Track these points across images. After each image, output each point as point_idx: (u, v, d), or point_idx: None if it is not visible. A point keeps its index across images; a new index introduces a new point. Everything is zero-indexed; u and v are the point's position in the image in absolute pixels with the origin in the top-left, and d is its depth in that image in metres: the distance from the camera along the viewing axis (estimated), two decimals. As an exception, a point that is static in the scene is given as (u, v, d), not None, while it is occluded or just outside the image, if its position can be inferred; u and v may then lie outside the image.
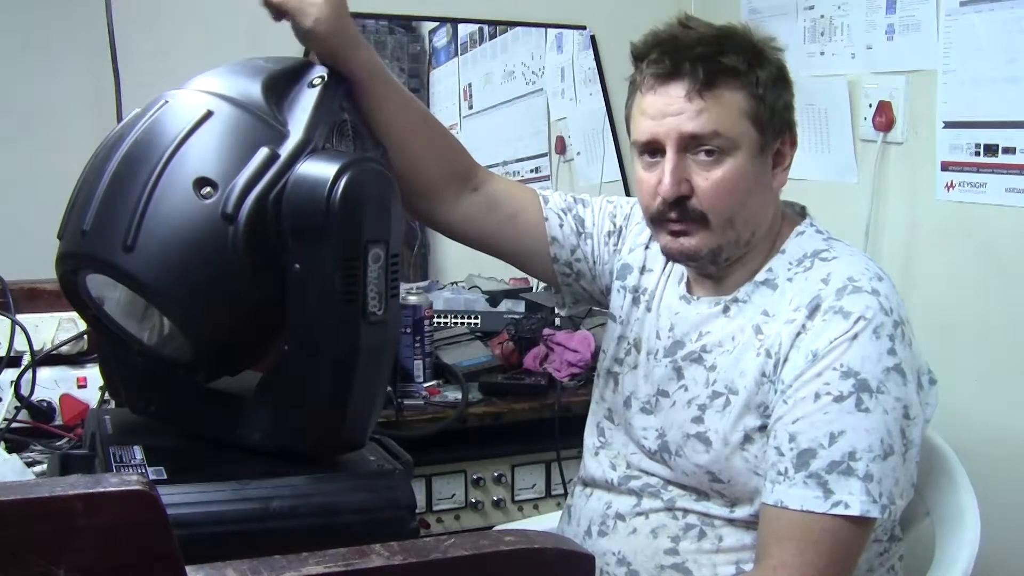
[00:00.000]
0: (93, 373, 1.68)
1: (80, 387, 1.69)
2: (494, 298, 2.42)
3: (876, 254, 1.99)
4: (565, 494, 1.97)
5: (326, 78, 1.17)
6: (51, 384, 1.68)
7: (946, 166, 1.91)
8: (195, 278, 1.01)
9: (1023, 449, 1.80)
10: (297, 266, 1.03)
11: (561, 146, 2.58)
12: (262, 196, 1.02)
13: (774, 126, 1.27)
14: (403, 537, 0.72)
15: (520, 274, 2.52)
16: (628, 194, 2.54)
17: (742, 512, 1.28)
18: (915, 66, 1.95)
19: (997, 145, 1.81)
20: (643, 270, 1.44)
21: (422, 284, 2.38)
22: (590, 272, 1.48)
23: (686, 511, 1.31)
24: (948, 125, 1.89)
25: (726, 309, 1.32)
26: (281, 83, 1.13)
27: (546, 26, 2.52)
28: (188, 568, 0.63)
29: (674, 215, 1.26)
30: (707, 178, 1.24)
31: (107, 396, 1.65)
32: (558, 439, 1.89)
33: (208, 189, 1.01)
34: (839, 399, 1.18)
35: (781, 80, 1.28)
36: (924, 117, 1.94)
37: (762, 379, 1.25)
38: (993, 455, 1.77)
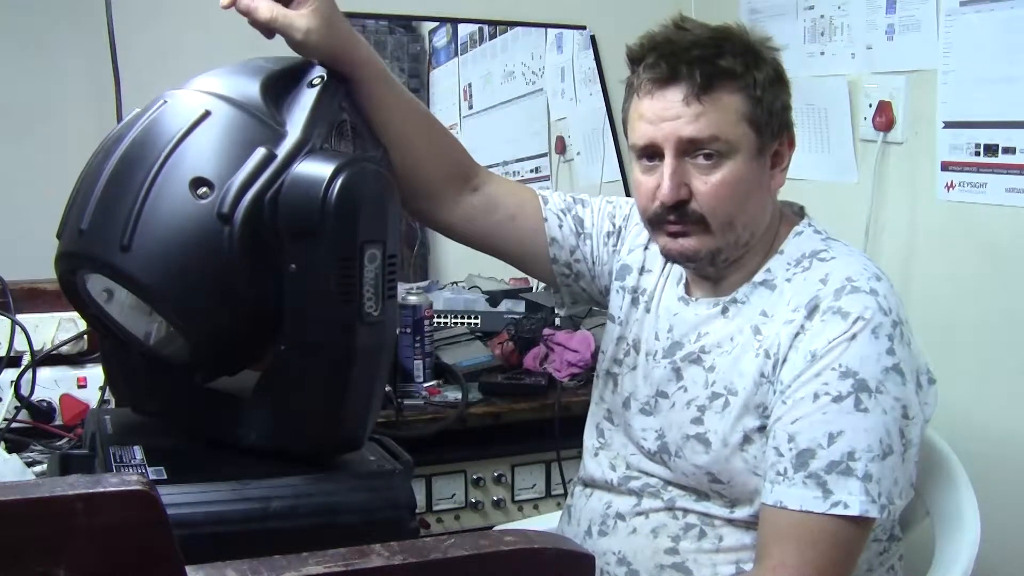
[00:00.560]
0: (93, 373, 1.68)
1: (80, 387, 1.69)
2: (494, 298, 2.42)
3: (876, 254, 1.99)
4: (565, 494, 1.97)
5: (325, 78, 1.17)
6: (51, 384, 1.68)
7: (946, 166, 1.91)
8: (191, 278, 1.01)
9: (1023, 449, 1.80)
10: (293, 266, 1.03)
11: (561, 146, 2.58)
12: (258, 196, 1.02)
13: (772, 128, 1.27)
14: (403, 537, 0.72)
15: (520, 274, 2.52)
16: (628, 194, 2.54)
17: (742, 512, 1.28)
18: (915, 66, 1.95)
19: (997, 145, 1.81)
20: (642, 271, 1.44)
21: (422, 284, 2.38)
22: (589, 272, 1.48)
23: (686, 511, 1.32)
24: (948, 125, 1.89)
25: (725, 310, 1.32)
26: (280, 83, 1.13)
27: (546, 26, 2.52)
28: (188, 568, 0.63)
29: (673, 217, 1.27)
30: (706, 182, 1.24)
31: (107, 396, 1.65)
32: (558, 439, 1.89)
33: (204, 189, 1.01)
34: (838, 399, 1.18)
35: (778, 81, 1.28)
36: (924, 117, 1.94)
37: (761, 380, 1.25)
38: (993, 455, 1.77)
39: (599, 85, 2.52)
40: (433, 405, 1.90)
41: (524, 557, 0.69)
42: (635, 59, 1.29)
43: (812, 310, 1.23)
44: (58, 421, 1.67)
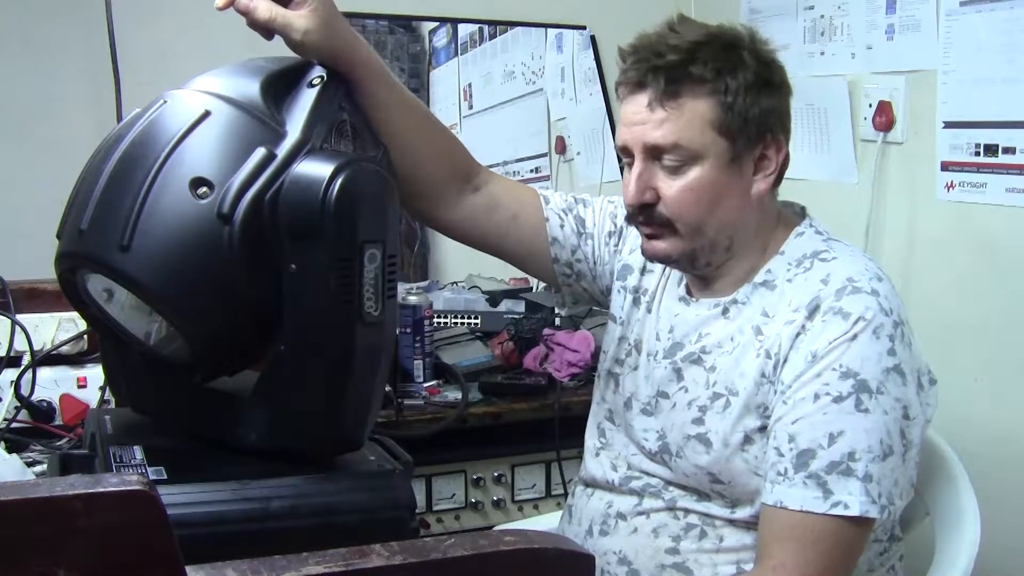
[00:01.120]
0: (93, 373, 1.68)
1: (80, 387, 1.69)
2: (494, 298, 2.42)
3: (876, 254, 1.99)
4: (565, 494, 1.97)
5: (325, 78, 1.17)
6: (51, 384, 1.68)
7: (946, 166, 1.91)
8: (191, 278, 1.01)
9: (1023, 449, 1.80)
10: (293, 266, 1.03)
11: (561, 146, 2.58)
12: (258, 196, 1.02)
13: (747, 134, 1.26)
14: (403, 537, 0.72)
15: (520, 274, 2.52)
16: (628, 194, 2.55)
17: (743, 513, 1.28)
18: (915, 66, 1.95)
19: (997, 145, 1.81)
20: (644, 271, 1.44)
21: (422, 284, 2.38)
22: (591, 272, 1.48)
23: (687, 511, 1.32)
24: (948, 125, 1.89)
25: (725, 311, 1.32)
26: (280, 83, 1.13)
27: (546, 26, 2.52)
28: (188, 568, 0.63)
29: (642, 219, 1.29)
30: (671, 186, 1.26)
31: (107, 396, 1.65)
32: (558, 439, 1.89)
33: (204, 189, 1.01)
34: (838, 400, 1.18)
35: (761, 86, 1.26)
36: (924, 117, 1.94)
37: (762, 380, 1.25)
38: (993, 455, 1.77)
39: (599, 85, 2.52)
40: (433, 405, 1.90)
41: (524, 557, 0.69)
42: (621, 60, 1.31)
43: (813, 310, 1.23)
44: (58, 421, 1.67)
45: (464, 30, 2.51)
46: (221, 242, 1.01)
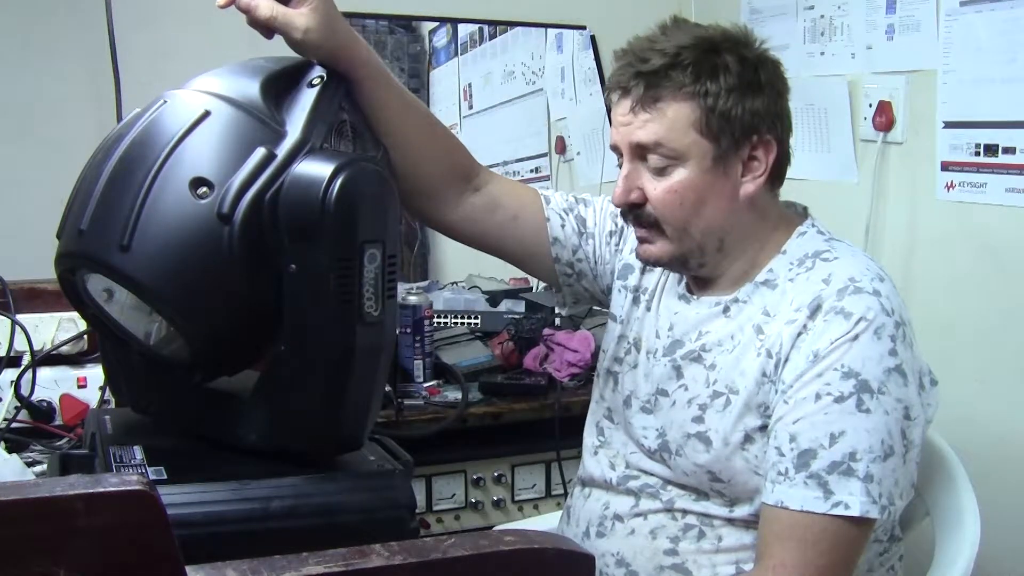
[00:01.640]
0: (93, 373, 1.68)
1: (80, 387, 1.69)
2: (494, 298, 2.42)
3: (876, 254, 1.99)
4: (565, 494, 1.97)
5: (325, 78, 1.17)
6: (51, 384, 1.68)
7: (946, 166, 1.91)
8: (190, 278, 1.01)
9: (1023, 449, 1.80)
10: (293, 266, 1.03)
11: (561, 146, 2.58)
12: (258, 196, 1.01)
13: (731, 135, 1.26)
14: (403, 537, 0.72)
15: (520, 274, 2.52)
16: (628, 194, 2.55)
17: (741, 512, 1.28)
18: (915, 66, 1.95)
19: (997, 145, 1.81)
20: (645, 270, 1.44)
21: (422, 284, 2.38)
22: (591, 272, 1.49)
23: (685, 511, 1.31)
24: (948, 125, 1.89)
25: (726, 309, 1.32)
26: (280, 83, 1.13)
27: (546, 26, 2.52)
28: (188, 568, 0.63)
29: (632, 219, 1.32)
30: (656, 187, 1.28)
31: (107, 396, 1.65)
32: (558, 439, 1.89)
33: (204, 189, 1.01)
34: (840, 399, 1.18)
35: (744, 88, 1.26)
36: (924, 117, 1.94)
37: (763, 379, 1.25)
38: (993, 455, 1.77)
39: (599, 85, 2.52)
40: (433, 405, 1.90)
41: (524, 557, 0.69)
42: (614, 62, 1.34)
43: (815, 310, 1.23)
44: (58, 421, 1.67)
45: (464, 30, 2.51)
46: (221, 242, 1.01)
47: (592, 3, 2.51)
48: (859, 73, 2.07)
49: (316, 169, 1.02)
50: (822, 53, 2.15)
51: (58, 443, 1.61)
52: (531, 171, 2.58)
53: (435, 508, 1.91)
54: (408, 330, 1.97)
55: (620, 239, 1.48)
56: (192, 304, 1.02)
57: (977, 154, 1.84)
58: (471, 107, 2.55)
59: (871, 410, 1.18)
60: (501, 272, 2.50)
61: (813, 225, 1.36)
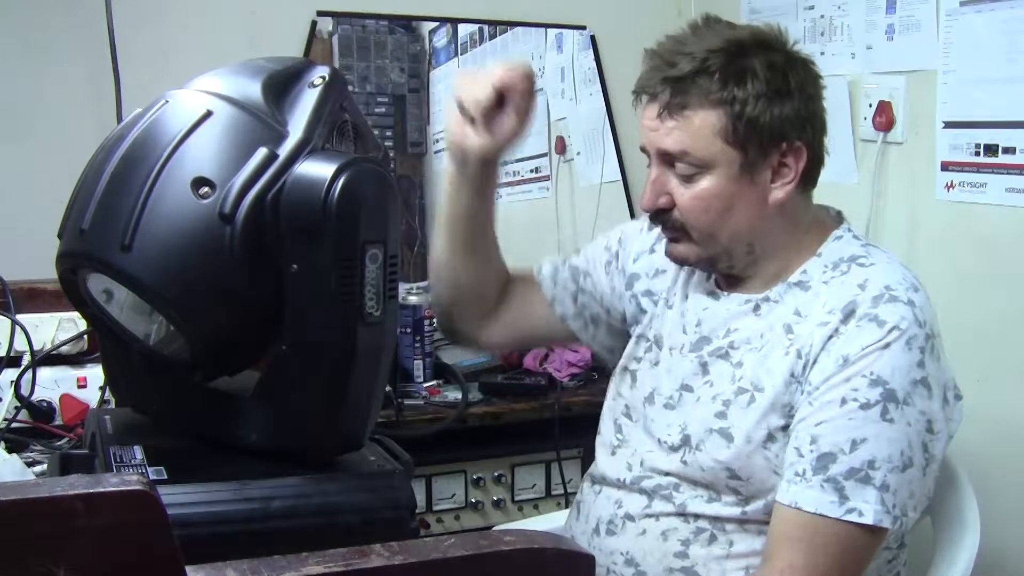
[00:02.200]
0: (93, 373, 1.68)
1: (80, 387, 1.69)
2: (494, 298, 2.41)
3: (876, 254, 1.98)
4: (565, 494, 1.97)
5: (327, 78, 1.17)
6: (51, 384, 1.68)
7: (946, 166, 1.91)
8: (192, 278, 1.01)
9: (1023, 450, 1.80)
10: (295, 266, 1.02)
11: (561, 146, 2.58)
12: (260, 196, 1.01)
13: (759, 143, 1.25)
14: (403, 537, 0.72)
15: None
16: (627, 193, 2.55)
17: (754, 509, 1.27)
18: (915, 66, 1.95)
19: (997, 145, 1.81)
20: (655, 273, 1.45)
21: (422, 284, 2.37)
22: (602, 308, 1.50)
23: (697, 515, 1.30)
24: (948, 125, 1.89)
25: (757, 307, 1.32)
26: (282, 83, 1.13)
27: (546, 26, 2.52)
28: (188, 568, 0.63)
29: (660, 222, 1.32)
30: (683, 193, 1.28)
31: (107, 396, 1.65)
32: (558, 439, 1.89)
33: (206, 189, 1.01)
34: (865, 406, 1.18)
35: (772, 94, 1.25)
36: (924, 117, 1.94)
37: (791, 379, 1.25)
38: (993, 455, 1.77)
39: (599, 85, 2.52)
40: (433, 405, 1.90)
41: (524, 557, 0.69)
42: (643, 63, 1.32)
43: (848, 314, 1.23)
44: (58, 421, 1.67)
45: (464, 30, 2.50)
46: (222, 242, 1.00)
47: (592, 3, 2.51)
48: (859, 73, 2.07)
49: (318, 169, 1.02)
50: (822, 53, 2.15)
51: (58, 443, 1.61)
52: (531, 171, 2.58)
53: (435, 508, 1.91)
54: (408, 330, 1.98)
55: (617, 261, 1.50)
56: (193, 304, 1.02)
57: (977, 154, 1.84)
58: (471, 107, 2.55)
59: (895, 420, 1.18)
60: (501, 272, 2.50)
61: (849, 230, 1.36)
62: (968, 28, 1.84)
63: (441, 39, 2.51)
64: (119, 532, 0.59)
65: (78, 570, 0.58)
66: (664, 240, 1.38)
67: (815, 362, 1.23)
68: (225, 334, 1.06)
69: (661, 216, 1.30)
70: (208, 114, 1.05)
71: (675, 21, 2.50)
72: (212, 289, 1.02)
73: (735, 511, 1.28)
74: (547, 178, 2.58)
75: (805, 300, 1.29)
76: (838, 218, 1.39)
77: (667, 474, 1.34)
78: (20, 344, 1.65)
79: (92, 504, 0.58)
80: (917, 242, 1.99)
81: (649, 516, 1.34)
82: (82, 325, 1.69)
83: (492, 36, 2.52)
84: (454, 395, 1.93)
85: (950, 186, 1.90)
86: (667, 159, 1.27)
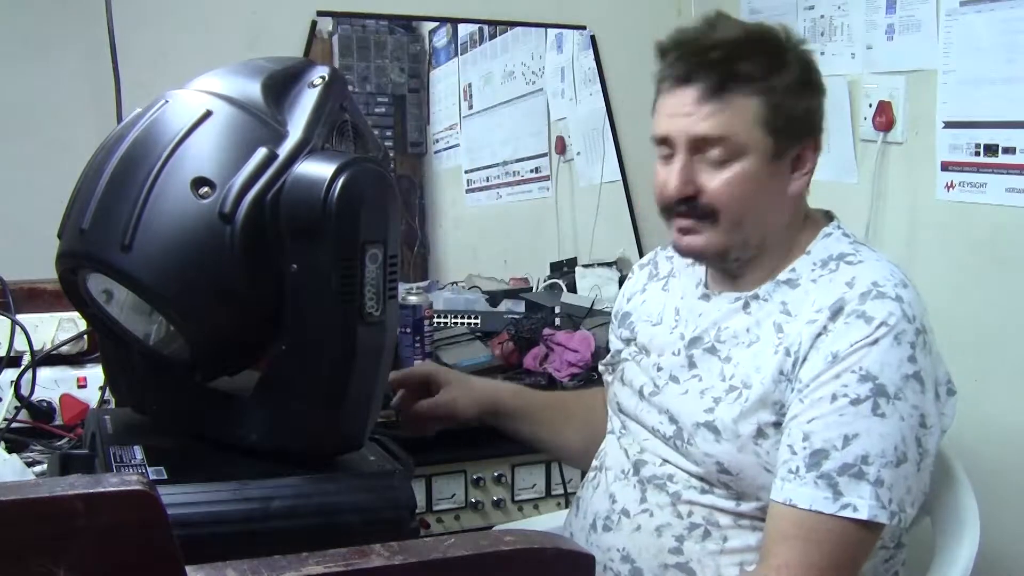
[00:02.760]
0: (93, 373, 1.68)
1: (80, 387, 1.69)
2: (494, 298, 2.42)
3: (876, 254, 1.98)
4: (565, 494, 1.97)
5: (327, 78, 1.17)
6: (51, 384, 1.68)
7: (946, 166, 1.91)
8: (192, 278, 1.01)
9: (1023, 449, 1.80)
10: (295, 266, 1.02)
11: (561, 146, 2.58)
12: (260, 196, 1.01)
13: (790, 132, 1.28)
14: (403, 537, 0.72)
15: (520, 274, 2.53)
16: (627, 192, 2.55)
17: (747, 506, 1.27)
18: (915, 66, 1.95)
19: (997, 145, 1.81)
20: (643, 302, 1.49)
21: (422, 284, 2.38)
22: None
23: (691, 504, 1.31)
24: (948, 125, 1.90)
25: (746, 305, 1.33)
26: (281, 83, 1.13)
27: (546, 26, 2.52)
28: (188, 568, 0.63)
29: (683, 209, 1.29)
30: (714, 180, 1.27)
31: (107, 396, 1.65)
32: (558, 439, 1.89)
33: (206, 189, 1.01)
34: (856, 402, 1.18)
35: (804, 85, 1.29)
36: (924, 117, 1.94)
37: (780, 377, 1.25)
38: (993, 455, 1.77)
39: (599, 85, 2.52)
40: (433, 405, 1.90)
41: (524, 557, 0.69)
42: (661, 54, 1.31)
43: (836, 312, 1.23)
44: (58, 421, 1.67)
45: (464, 30, 2.51)
46: (222, 242, 1.00)
47: (592, 3, 2.51)
48: (859, 73, 2.07)
49: (318, 169, 1.02)
50: (822, 53, 2.15)
51: (58, 443, 1.61)
52: (531, 171, 2.58)
53: (435, 508, 1.91)
54: (408, 330, 1.97)
55: (622, 322, 1.52)
56: (193, 304, 1.02)
57: (977, 154, 1.84)
58: (471, 107, 2.55)
59: (886, 415, 1.18)
60: (501, 272, 2.51)
61: (839, 227, 1.37)
62: (968, 28, 1.84)
63: (441, 39, 2.51)
64: (119, 532, 0.59)
65: (78, 570, 0.58)
66: (657, 259, 1.45)
67: (805, 360, 1.23)
68: (225, 334, 1.06)
69: (688, 203, 1.29)
70: (208, 114, 1.05)
71: (675, 21, 2.50)
72: (212, 289, 1.02)
73: (729, 504, 1.29)
74: (547, 178, 2.58)
75: (794, 298, 1.29)
76: (829, 216, 1.40)
77: (665, 461, 1.35)
78: (20, 344, 1.65)
79: (92, 504, 0.58)
80: (917, 242, 1.99)
81: (644, 511, 1.34)
82: (82, 325, 1.68)
83: (492, 36, 2.52)
84: (454, 395, 1.93)
85: (950, 186, 1.90)
86: (698, 145, 1.27)
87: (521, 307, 2.35)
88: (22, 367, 1.64)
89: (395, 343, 1.21)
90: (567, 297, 2.38)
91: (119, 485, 0.59)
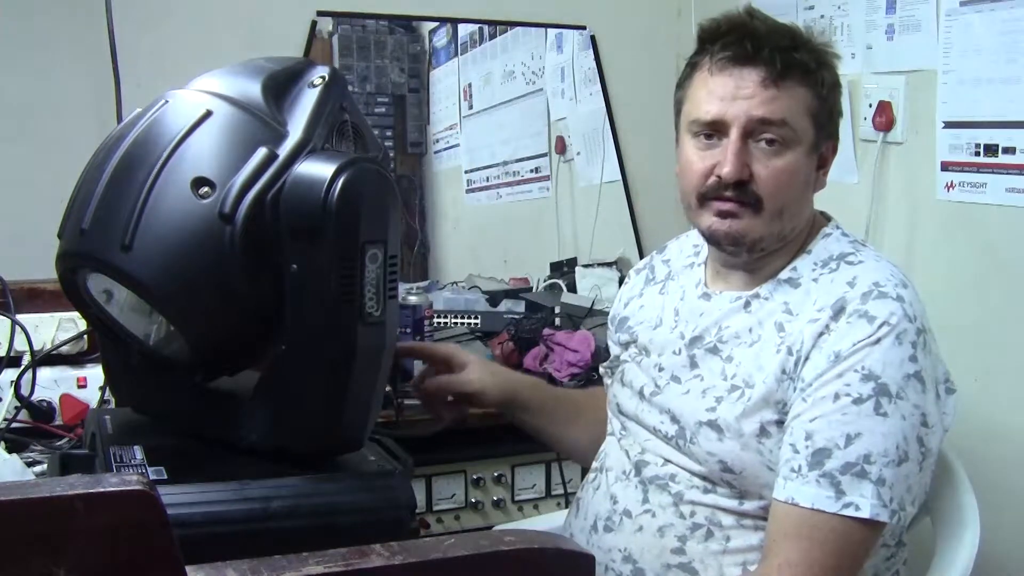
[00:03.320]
0: (93, 373, 1.68)
1: (80, 387, 1.69)
2: (494, 298, 2.42)
3: (876, 254, 1.98)
4: (565, 494, 1.97)
5: (327, 78, 1.17)
6: (51, 384, 1.68)
7: (946, 166, 1.91)
8: (192, 278, 1.01)
9: (1023, 449, 1.80)
10: (295, 266, 1.03)
11: (561, 146, 2.58)
12: (260, 196, 1.02)
13: (828, 128, 1.31)
14: (403, 537, 0.72)
15: (520, 273, 2.52)
16: (627, 191, 2.55)
17: (750, 505, 1.27)
18: (915, 66, 1.95)
19: (997, 145, 1.81)
20: (641, 307, 1.49)
21: (422, 284, 2.38)
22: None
23: (694, 505, 1.30)
24: (948, 125, 1.89)
25: (747, 304, 1.33)
26: (281, 83, 1.13)
27: (546, 26, 2.52)
28: (188, 568, 0.63)
29: (731, 194, 1.28)
30: (767, 166, 1.27)
31: (107, 396, 1.65)
32: (558, 439, 1.89)
33: (206, 189, 1.01)
34: (858, 401, 1.19)
35: (838, 86, 1.33)
36: (924, 117, 1.94)
37: (782, 376, 1.25)
38: (993, 455, 1.77)
39: (599, 85, 2.52)
40: (433, 405, 1.90)
41: (524, 557, 0.69)
42: (710, 36, 1.31)
43: (838, 311, 1.24)
44: (58, 421, 1.67)
45: (464, 30, 2.51)
46: (223, 242, 1.01)
47: (592, 3, 2.51)
48: (859, 73, 2.07)
49: (318, 169, 1.02)
50: (822, 53, 2.15)
51: (58, 443, 1.61)
52: (531, 171, 2.58)
53: (435, 508, 1.91)
54: (408, 330, 1.97)
55: (618, 327, 1.52)
56: (193, 304, 1.02)
57: (977, 154, 1.84)
58: (471, 107, 2.55)
59: (888, 414, 1.18)
60: (501, 272, 2.51)
61: (837, 227, 1.37)
62: (968, 28, 1.84)
63: (441, 39, 2.51)
64: (119, 532, 0.59)
65: (78, 570, 0.58)
66: (653, 263, 1.46)
67: (807, 359, 1.23)
68: (225, 334, 1.06)
69: (739, 188, 1.27)
70: (208, 114, 1.05)
71: (675, 21, 2.51)
72: (212, 289, 1.02)
73: (732, 503, 1.29)
74: (547, 178, 2.58)
75: (795, 297, 1.30)
76: (827, 218, 1.41)
77: (667, 461, 1.35)
78: (20, 344, 1.65)
79: (92, 504, 0.58)
80: (917, 242, 1.99)
81: (646, 512, 1.34)
82: (82, 325, 1.68)
83: (492, 36, 2.52)
84: (454, 395, 1.93)
85: (950, 186, 1.90)
86: (756, 128, 1.26)
87: (521, 307, 2.35)
88: (22, 367, 1.64)
89: (395, 343, 1.21)
90: (567, 297, 2.38)
91: (119, 485, 0.59)
